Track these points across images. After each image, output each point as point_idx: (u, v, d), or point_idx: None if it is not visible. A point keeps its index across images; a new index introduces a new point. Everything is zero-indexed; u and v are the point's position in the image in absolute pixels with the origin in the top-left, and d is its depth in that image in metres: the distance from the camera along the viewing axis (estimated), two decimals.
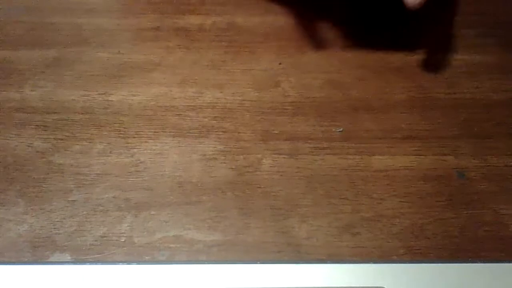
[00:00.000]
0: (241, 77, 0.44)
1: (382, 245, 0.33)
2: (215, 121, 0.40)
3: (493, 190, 0.36)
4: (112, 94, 0.42)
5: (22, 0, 0.51)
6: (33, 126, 0.40)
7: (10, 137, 0.39)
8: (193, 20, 0.49)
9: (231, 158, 0.38)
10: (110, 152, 0.38)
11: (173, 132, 0.40)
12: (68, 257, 0.32)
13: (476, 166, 0.37)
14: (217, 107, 0.42)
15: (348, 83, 0.44)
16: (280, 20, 0.50)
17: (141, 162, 0.37)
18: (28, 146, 0.38)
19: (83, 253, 0.32)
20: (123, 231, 0.33)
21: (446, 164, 0.38)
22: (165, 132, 0.40)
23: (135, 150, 0.38)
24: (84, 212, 0.34)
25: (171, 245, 0.33)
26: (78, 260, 0.32)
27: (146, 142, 0.39)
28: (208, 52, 0.46)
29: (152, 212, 0.34)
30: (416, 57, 0.46)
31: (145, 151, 0.38)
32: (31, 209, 0.34)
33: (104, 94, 0.42)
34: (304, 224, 0.34)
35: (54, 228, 0.33)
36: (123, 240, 0.33)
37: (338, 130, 0.40)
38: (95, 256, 0.32)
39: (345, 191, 0.36)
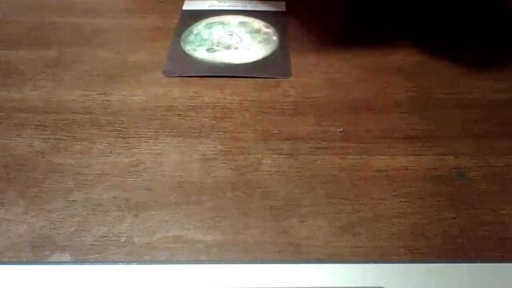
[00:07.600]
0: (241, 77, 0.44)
1: (382, 245, 0.33)
2: (215, 121, 0.40)
3: (493, 190, 0.36)
4: (112, 94, 0.42)
5: (22, 0, 0.51)
6: (33, 126, 0.40)
7: (10, 137, 0.39)
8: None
9: (231, 158, 0.38)
10: (110, 152, 0.38)
11: (173, 132, 0.40)
12: (68, 257, 0.32)
13: (476, 166, 0.37)
14: (217, 107, 0.42)
15: (348, 83, 0.44)
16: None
17: (141, 162, 0.37)
18: (28, 146, 0.38)
19: (83, 253, 0.32)
20: (123, 231, 0.33)
21: (446, 164, 0.37)
22: (165, 132, 0.40)
23: (135, 150, 0.38)
24: (84, 212, 0.34)
25: (171, 245, 0.33)
26: (78, 260, 0.32)
27: (146, 142, 0.39)
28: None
29: (152, 212, 0.34)
30: (416, 57, 0.46)
31: (145, 151, 0.38)
32: (31, 209, 0.34)
33: (104, 94, 0.42)
34: (304, 224, 0.34)
35: (54, 228, 0.33)
36: (123, 240, 0.33)
37: (338, 130, 0.40)
38: (95, 256, 0.32)
39: (345, 191, 0.36)
